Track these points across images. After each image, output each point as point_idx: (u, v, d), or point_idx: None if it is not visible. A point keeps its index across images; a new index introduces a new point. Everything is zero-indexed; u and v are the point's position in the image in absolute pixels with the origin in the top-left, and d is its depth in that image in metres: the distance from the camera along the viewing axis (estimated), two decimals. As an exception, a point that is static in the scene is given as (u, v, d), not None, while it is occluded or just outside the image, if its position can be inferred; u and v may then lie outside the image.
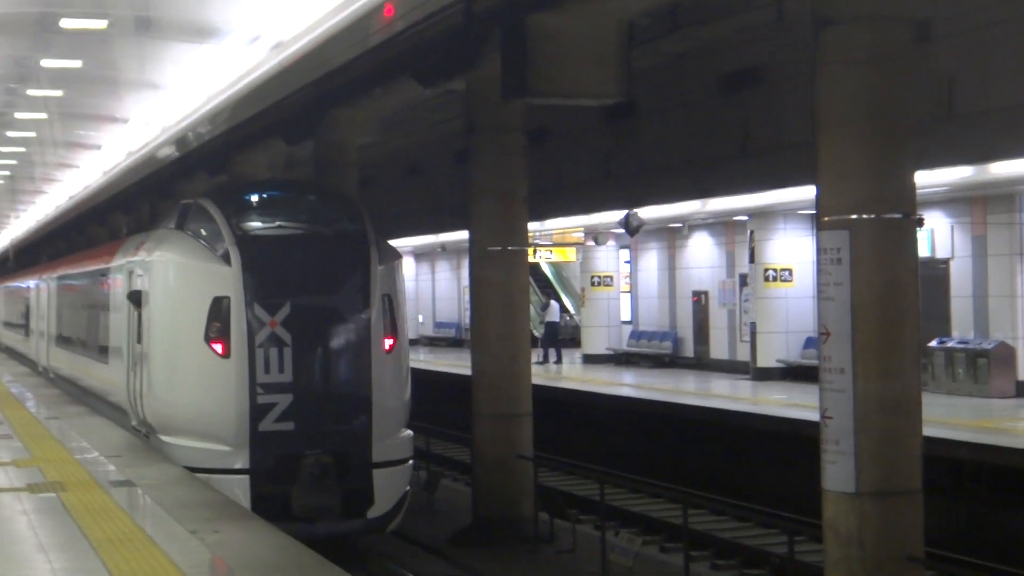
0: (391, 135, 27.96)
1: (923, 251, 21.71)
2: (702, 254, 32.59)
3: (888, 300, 12.21)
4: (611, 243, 35.73)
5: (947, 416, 20.19)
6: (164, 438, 16.85)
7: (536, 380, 20.47)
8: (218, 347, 16.16)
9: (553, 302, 39.68)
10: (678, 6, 19.05)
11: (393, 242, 23.96)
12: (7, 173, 42.33)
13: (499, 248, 19.14)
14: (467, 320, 35.70)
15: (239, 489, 15.75)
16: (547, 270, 48.05)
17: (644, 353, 34.42)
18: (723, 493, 21.43)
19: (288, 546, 11.13)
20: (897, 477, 12.19)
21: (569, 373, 33.94)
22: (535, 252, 37.01)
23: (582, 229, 34.77)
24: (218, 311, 16.20)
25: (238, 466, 16.03)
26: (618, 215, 27.99)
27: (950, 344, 24.14)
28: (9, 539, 11.51)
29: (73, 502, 13.11)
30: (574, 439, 27.12)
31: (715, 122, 23.59)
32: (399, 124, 27.02)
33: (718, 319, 31.89)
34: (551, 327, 37.89)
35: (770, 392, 25.96)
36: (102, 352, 21.59)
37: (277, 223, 17.39)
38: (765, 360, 28.61)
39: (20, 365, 38.35)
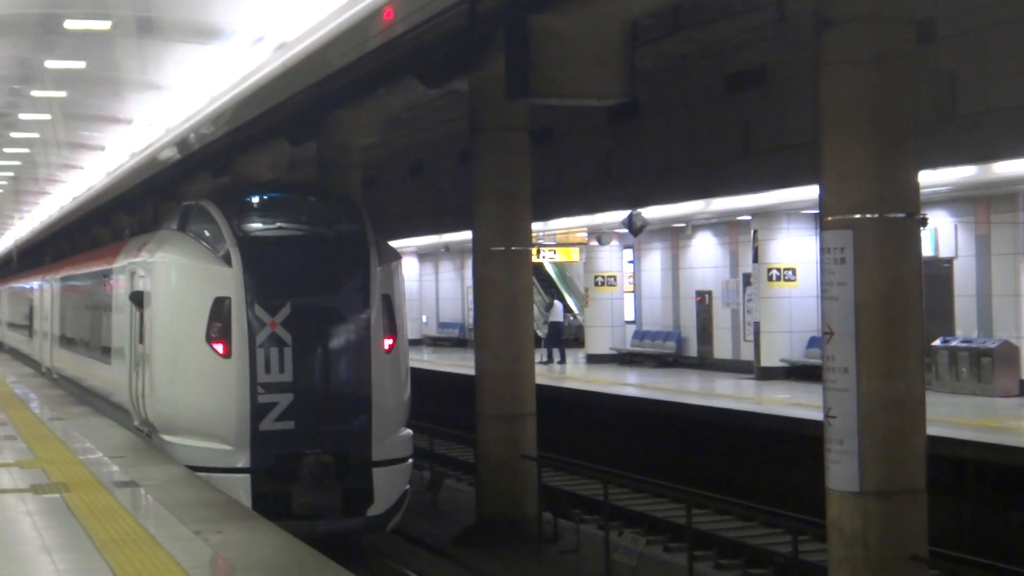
0: (395, 135, 27.98)
1: (927, 250, 21.66)
2: (706, 254, 32.59)
3: (892, 299, 12.22)
4: (615, 243, 35.72)
5: (951, 415, 20.18)
6: (166, 437, 16.96)
7: (540, 380, 20.47)
8: (219, 347, 16.30)
9: (557, 302, 39.67)
10: (680, 7, 19.04)
11: (397, 242, 24.10)
12: (11, 174, 42.36)
13: (502, 248, 19.15)
14: (471, 320, 35.72)
15: (240, 488, 15.86)
16: (551, 270, 48.04)
17: (648, 353, 34.42)
18: (727, 493, 21.43)
19: (292, 547, 11.14)
20: (901, 476, 12.19)
21: (573, 373, 33.93)
22: (539, 252, 37.01)
23: (585, 229, 34.77)
24: (219, 311, 16.33)
25: (239, 465, 16.15)
26: (621, 215, 27.99)
27: (954, 343, 24.14)
28: (13, 540, 11.52)
29: (77, 503, 13.13)
30: (578, 439, 27.12)
31: (718, 122, 23.59)
32: (403, 124, 27.04)
33: (722, 319, 31.89)
34: (555, 327, 37.89)
35: (774, 392, 25.95)
36: (105, 353, 21.67)
37: (277, 224, 17.53)
38: (769, 360, 28.60)
39: (24, 366, 38.37)
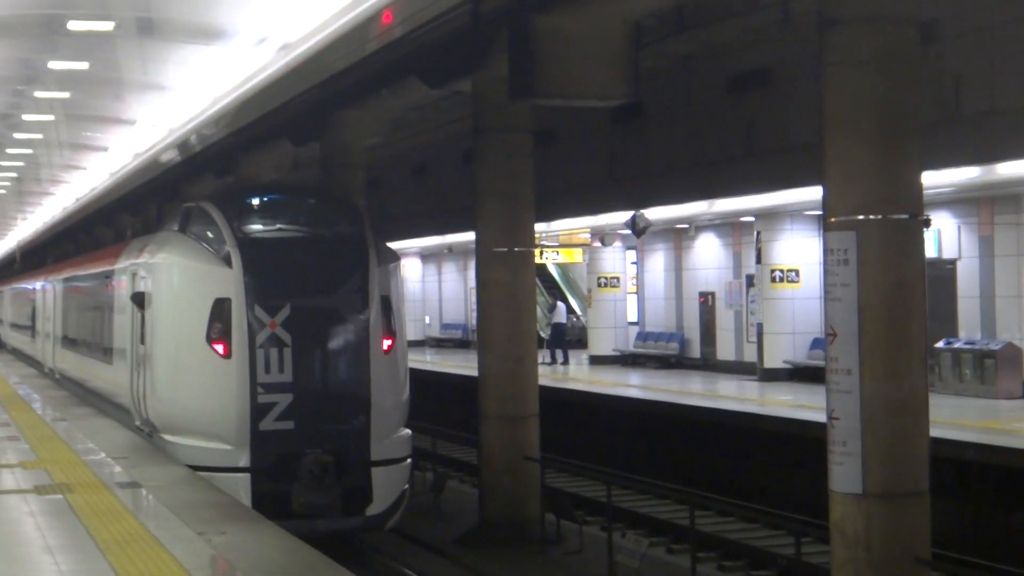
0: (398, 136, 27.97)
1: (930, 252, 21.67)
2: (709, 255, 32.57)
3: (895, 301, 12.20)
4: (618, 244, 35.71)
5: (954, 417, 20.16)
6: (167, 437, 17.09)
7: (543, 381, 20.48)
8: (219, 348, 16.49)
9: (560, 303, 39.66)
10: (684, 7, 19.02)
11: (400, 243, 24.12)
12: (14, 175, 42.37)
13: (505, 249, 19.14)
14: (474, 321, 35.70)
15: (240, 487, 16.02)
16: (554, 271, 48.03)
17: (651, 354, 34.40)
18: (730, 495, 21.40)
19: (295, 547, 11.14)
20: (904, 478, 12.18)
21: (576, 374, 33.93)
22: (541, 253, 37.00)
23: (588, 230, 34.76)
24: (220, 312, 16.52)
25: (239, 464, 16.31)
26: (625, 216, 27.97)
27: (957, 345, 24.11)
28: (16, 541, 11.53)
29: (80, 504, 13.13)
30: (580, 440, 27.10)
31: (721, 123, 23.56)
32: (406, 125, 27.04)
33: (725, 320, 31.87)
34: (558, 328, 37.89)
35: (777, 393, 25.94)
36: (106, 353, 21.76)
37: (277, 226, 17.74)
38: (772, 361, 28.59)
39: (27, 367, 38.39)
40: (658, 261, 34.83)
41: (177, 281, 17.40)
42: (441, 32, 16.38)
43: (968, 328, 24.44)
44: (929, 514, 12.34)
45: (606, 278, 36.47)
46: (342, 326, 16.89)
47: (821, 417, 13.07)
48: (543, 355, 32.10)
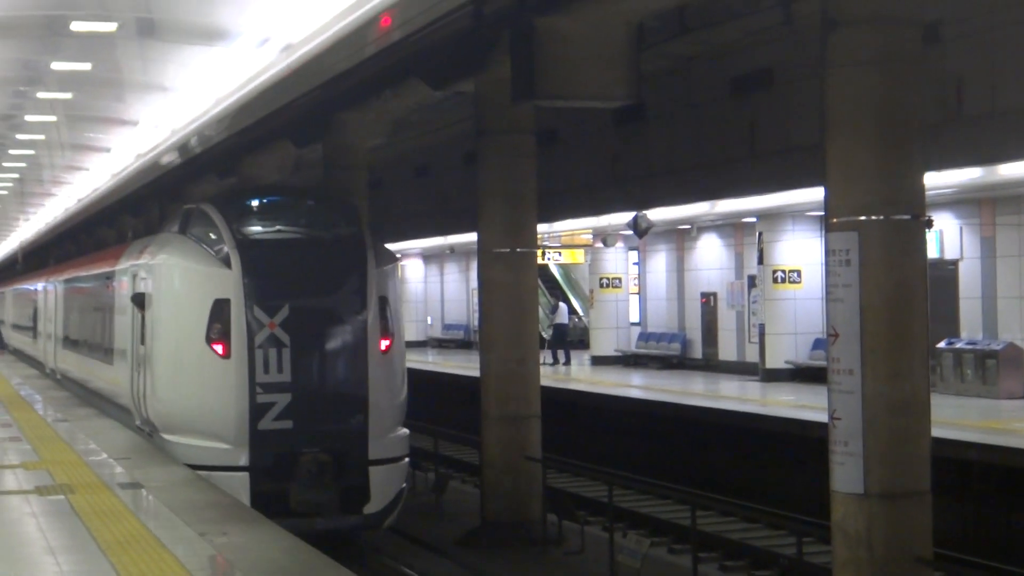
0: (400, 137, 27.94)
1: (932, 252, 21.67)
2: (711, 256, 32.58)
3: (897, 301, 12.21)
4: (620, 245, 35.72)
5: (955, 417, 20.17)
6: (166, 436, 17.22)
7: (545, 382, 20.48)
8: (219, 348, 16.65)
9: (562, 304, 39.65)
10: (686, 9, 19.02)
11: (402, 244, 24.12)
12: (16, 176, 42.35)
13: (508, 250, 19.15)
14: (476, 322, 35.71)
15: (239, 486, 16.16)
16: (556, 272, 48.04)
17: (653, 355, 34.41)
18: (731, 495, 21.41)
19: (297, 548, 11.15)
20: (906, 478, 12.18)
21: (577, 375, 33.94)
22: (544, 254, 37.01)
23: (591, 231, 34.76)
24: (219, 313, 16.69)
25: (238, 463, 16.45)
26: (627, 217, 27.98)
27: (959, 345, 24.12)
28: (18, 541, 11.54)
29: (82, 504, 13.14)
30: (582, 441, 27.11)
31: (723, 124, 23.56)
32: (408, 126, 27.01)
33: (727, 320, 31.88)
34: (560, 329, 37.89)
35: (779, 393, 25.95)
36: (107, 353, 21.84)
37: (276, 227, 17.91)
38: (774, 361, 28.60)
39: (29, 367, 38.41)
40: (660, 262, 34.83)
41: (177, 282, 17.55)
42: (443, 34, 16.38)
43: (970, 328, 24.45)
44: (931, 514, 12.34)
45: (608, 279, 36.49)
46: (340, 327, 17.04)
47: (823, 417, 13.08)
48: (544, 356, 32.10)
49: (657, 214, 27.57)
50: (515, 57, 16.27)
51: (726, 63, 23.06)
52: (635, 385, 29.61)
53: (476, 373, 20.05)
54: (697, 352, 33.20)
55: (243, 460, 16.40)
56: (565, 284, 48.41)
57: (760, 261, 28.89)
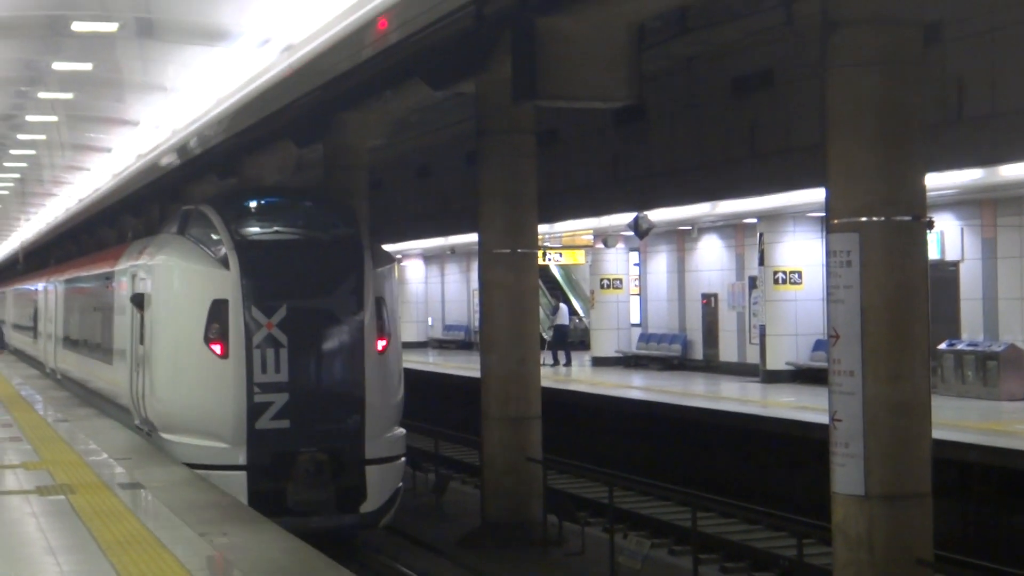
0: (401, 138, 27.95)
1: (933, 254, 21.66)
2: (711, 257, 32.57)
3: (898, 303, 12.20)
4: (620, 246, 35.71)
5: (956, 419, 20.16)
6: (165, 436, 17.32)
7: (545, 383, 20.48)
8: (217, 348, 16.77)
9: (562, 305, 39.63)
10: (688, 9, 19.02)
11: (402, 244, 24.10)
12: (17, 176, 42.36)
13: (508, 251, 19.14)
14: (476, 323, 35.69)
15: (237, 485, 16.26)
16: (556, 273, 48.03)
17: (653, 356, 34.40)
18: (732, 496, 21.40)
19: (296, 548, 11.15)
20: (906, 480, 12.18)
21: (578, 376, 33.93)
22: (544, 255, 37.00)
23: (591, 232, 34.75)
24: (217, 313, 16.83)
25: (236, 462, 16.55)
26: (627, 217, 27.97)
27: (959, 347, 24.11)
28: (18, 541, 11.54)
29: (82, 504, 13.14)
30: (583, 442, 27.10)
31: (724, 125, 23.56)
32: (409, 127, 27.01)
33: (727, 321, 31.87)
34: (560, 330, 37.88)
35: (779, 395, 25.93)
36: (107, 353, 21.91)
37: (274, 228, 18.09)
38: (774, 363, 28.59)
39: (29, 367, 38.42)
40: (661, 263, 34.83)
41: (176, 282, 17.67)
42: (444, 34, 16.38)
43: (971, 330, 24.44)
44: (931, 516, 12.34)
45: (609, 280, 36.47)
46: (337, 327, 17.15)
47: (823, 419, 13.07)
48: (545, 356, 32.11)
49: (658, 215, 27.57)
50: (516, 57, 16.27)
51: (727, 63, 23.07)
52: (636, 386, 29.60)
53: (477, 374, 20.04)
54: (698, 353, 33.20)
55: (241, 459, 16.53)
56: (566, 285, 48.40)
57: (761, 262, 28.88)
